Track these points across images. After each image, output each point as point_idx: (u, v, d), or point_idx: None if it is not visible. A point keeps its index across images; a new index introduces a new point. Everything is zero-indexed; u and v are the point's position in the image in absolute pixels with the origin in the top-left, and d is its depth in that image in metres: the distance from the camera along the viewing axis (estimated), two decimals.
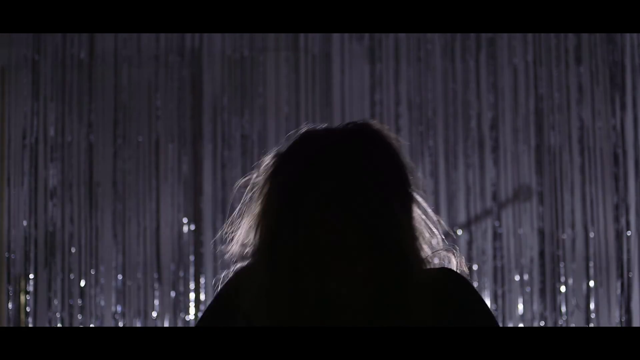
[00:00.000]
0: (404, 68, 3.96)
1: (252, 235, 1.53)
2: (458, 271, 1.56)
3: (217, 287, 1.58)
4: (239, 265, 1.55)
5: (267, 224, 1.50)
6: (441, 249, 1.56)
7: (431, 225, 1.56)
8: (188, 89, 3.96)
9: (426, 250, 1.54)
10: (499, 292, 3.86)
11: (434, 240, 1.55)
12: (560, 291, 3.84)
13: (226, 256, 1.56)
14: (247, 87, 3.96)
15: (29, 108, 3.88)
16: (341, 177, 1.49)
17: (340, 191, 1.48)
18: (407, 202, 1.54)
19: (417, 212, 1.55)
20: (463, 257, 1.59)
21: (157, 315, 3.87)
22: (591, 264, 3.83)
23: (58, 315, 3.81)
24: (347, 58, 3.98)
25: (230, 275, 1.55)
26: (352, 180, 1.49)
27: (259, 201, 1.54)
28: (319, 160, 1.51)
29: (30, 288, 3.80)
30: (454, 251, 1.58)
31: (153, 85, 3.95)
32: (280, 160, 1.55)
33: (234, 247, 1.55)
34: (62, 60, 3.90)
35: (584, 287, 3.83)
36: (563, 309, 3.82)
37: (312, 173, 1.50)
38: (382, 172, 1.52)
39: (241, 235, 1.54)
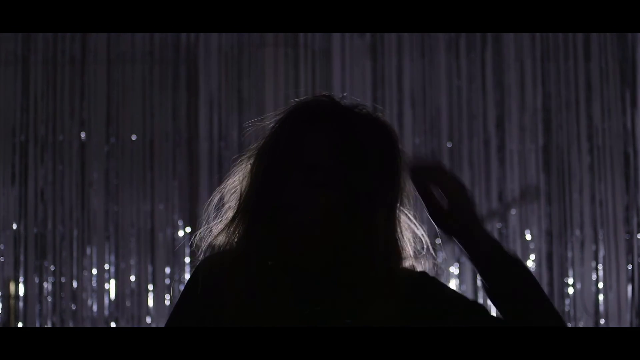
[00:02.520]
0: (407, 64, 3.91)
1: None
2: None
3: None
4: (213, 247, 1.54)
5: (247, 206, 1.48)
6: (417, 258, 1.55)
7: (410, 235, 1.55)
8: (183, 86, 3.93)
9: (405, 255, 1.53)
10: None
11: (410, 247, 1.54)
12: (568, 295, 3.78)
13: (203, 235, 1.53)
14: (244, 84, 3.92)
15: (18, 105, 3.84)
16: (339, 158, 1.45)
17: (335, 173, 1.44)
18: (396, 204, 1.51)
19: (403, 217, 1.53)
20: (436, 266, 1.58)
21: (152, 320, 3.82)
22: (600, 267, 3.77)
23: (49, 320, 3.77)
24: (348, 54, 3.93)
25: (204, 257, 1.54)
26: (350, 163, 1.45)
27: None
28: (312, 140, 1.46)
29: (21, 292, 3.75)
30: (429, 260, 1.56)
31: (147, 82, 3.92)
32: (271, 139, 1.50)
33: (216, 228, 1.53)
34: (53, 56, 3.86)
35: (593, 290, 3.77)
36: (571, 313, 3.76)
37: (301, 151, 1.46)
38: (381, 164, 1.48)
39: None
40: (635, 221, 3.76)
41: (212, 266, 1.50)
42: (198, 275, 1.50)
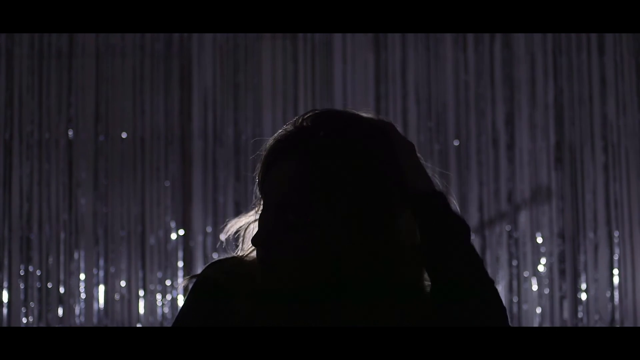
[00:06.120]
0: (412, 58, 3.89)
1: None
2: None
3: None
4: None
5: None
6: None
7: None
8: (176, 81, 3.91)
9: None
10: (515, 301, 3.78)
11: None
12: (581, 301, 3.73)
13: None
14: (240, 78, 3.90)
15: (2, 101, 3.82)
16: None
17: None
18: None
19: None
20: None
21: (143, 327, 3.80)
22: (615, 271, 3.73)
23: (35, 327, 3.73)
24: (350, 47, 3.92)
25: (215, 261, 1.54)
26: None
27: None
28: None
29: (5, 298, 3.73)
30: None
31: (138, 76, 3.90)
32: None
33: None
34: (39, 50, 3.84)
35: (608, 296, 3.72)
36: (585, 320, 3.72)
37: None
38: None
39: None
40: None
41: (221, 271, 1.48)
42: (207, 278, 1.48)
